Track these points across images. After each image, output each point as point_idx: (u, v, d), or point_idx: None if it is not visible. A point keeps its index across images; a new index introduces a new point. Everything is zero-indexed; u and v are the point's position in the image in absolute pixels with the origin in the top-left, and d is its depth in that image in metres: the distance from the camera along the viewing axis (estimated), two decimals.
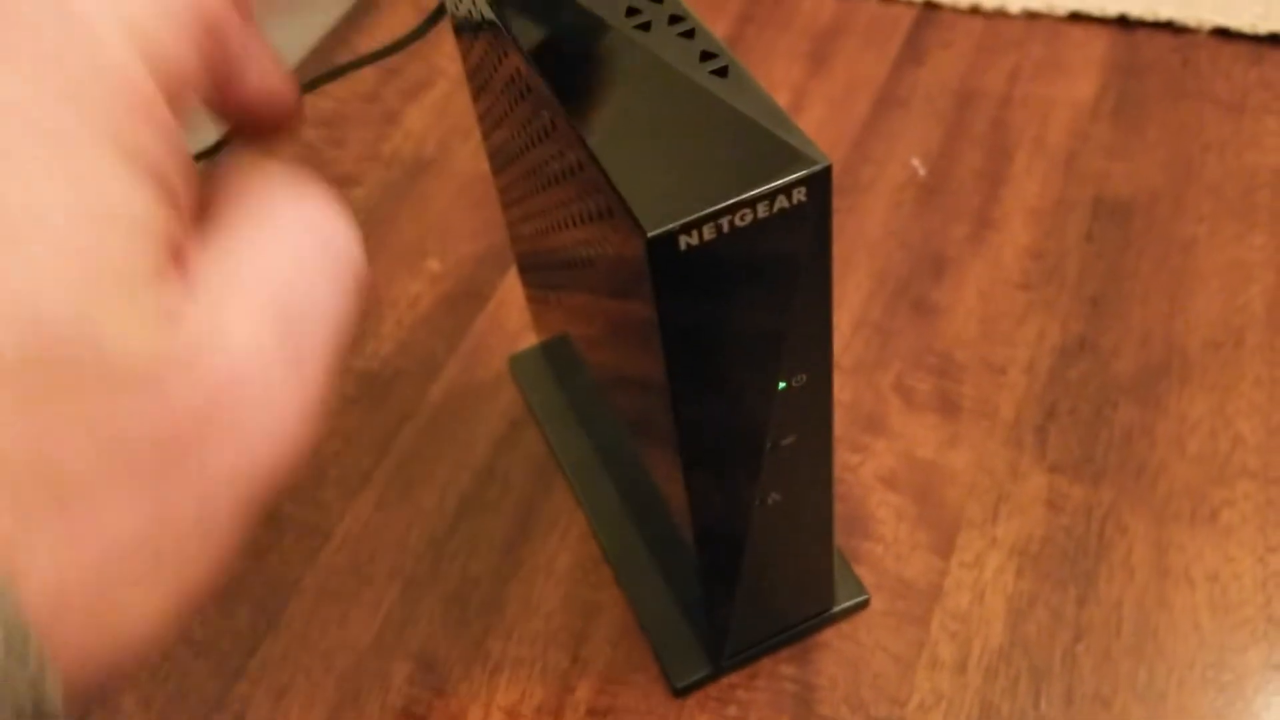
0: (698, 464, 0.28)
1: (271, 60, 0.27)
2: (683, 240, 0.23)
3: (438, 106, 0.55)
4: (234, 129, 0.26)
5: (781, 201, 0.23)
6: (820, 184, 0.23)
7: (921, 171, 0.49)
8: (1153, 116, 0.50)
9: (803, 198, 0.23)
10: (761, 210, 0.23)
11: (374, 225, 0.50)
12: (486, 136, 0.36)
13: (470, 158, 0.52)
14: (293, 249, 0.20)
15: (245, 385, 0.18)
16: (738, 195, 0.23)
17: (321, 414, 0.19)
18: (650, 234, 0.22)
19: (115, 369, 0.16)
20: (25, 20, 0.16)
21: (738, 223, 0.23)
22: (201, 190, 0.21)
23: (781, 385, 0.27)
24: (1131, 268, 0.44)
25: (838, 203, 0.48)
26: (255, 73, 0.26)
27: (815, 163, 0.23)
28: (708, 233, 0.23)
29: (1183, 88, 0.51)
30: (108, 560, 0.17)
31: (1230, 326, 0.42)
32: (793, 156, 0.23)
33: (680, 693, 0.35)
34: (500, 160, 0.35)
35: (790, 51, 0.55)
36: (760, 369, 0.27)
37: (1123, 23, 0.54)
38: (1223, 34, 0.53)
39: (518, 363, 0.44)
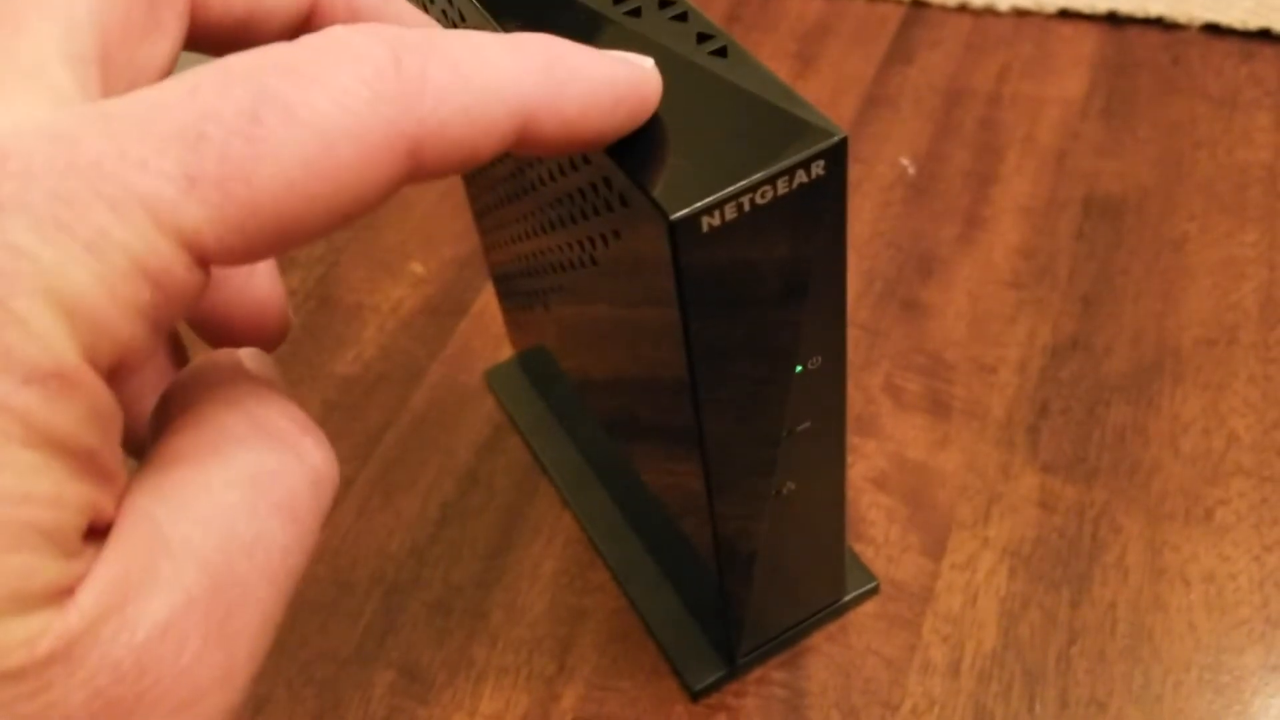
0: (718, 456, 0.27)
1: (260, 278, 0.24)
2: (705, 221, 0.22)
3: None
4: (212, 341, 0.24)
5: (800, 176, 0.23)
6: (837, 157, 0.23)
7: (911, 171, 0.48)
8: (1143, 114, 0.49)
9: (820, 171, 0.23)
10: (781, 186, 0.22)
11: (357, 229, 0.50)
12: None
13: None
14: (240, 497, 0.17)
15: (152, 674, 0.16)
16: (757, 173, 0.22)
17: (256, 669, 0.17)
18: (673, 217, 0.22)
19: None
20: None
21: (758, 200, 0.22)
22: (161, 404, 0.19)
23: (798, 369, 0.27)
24: (1123, 266, 0.44)
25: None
26: (235, 294, 0.23)
27: (831, 135, 0.23)
28: (729, 212, 0.22)
29: (1173, 85, 0.50)
30: None
31: (1223, 324, 0.42)
32: (808, 131, 0.23)
33: (697, 695, 0.34)
34: (478, 176, 0.35)
35: (777, 52, 0.54)
36: (779, 352, 0.26)
37: (1112, 19, 0.53)
38: (1213, 30, 0.52)
39: (494, 376, 0.43)
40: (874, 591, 0.36)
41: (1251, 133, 0.48)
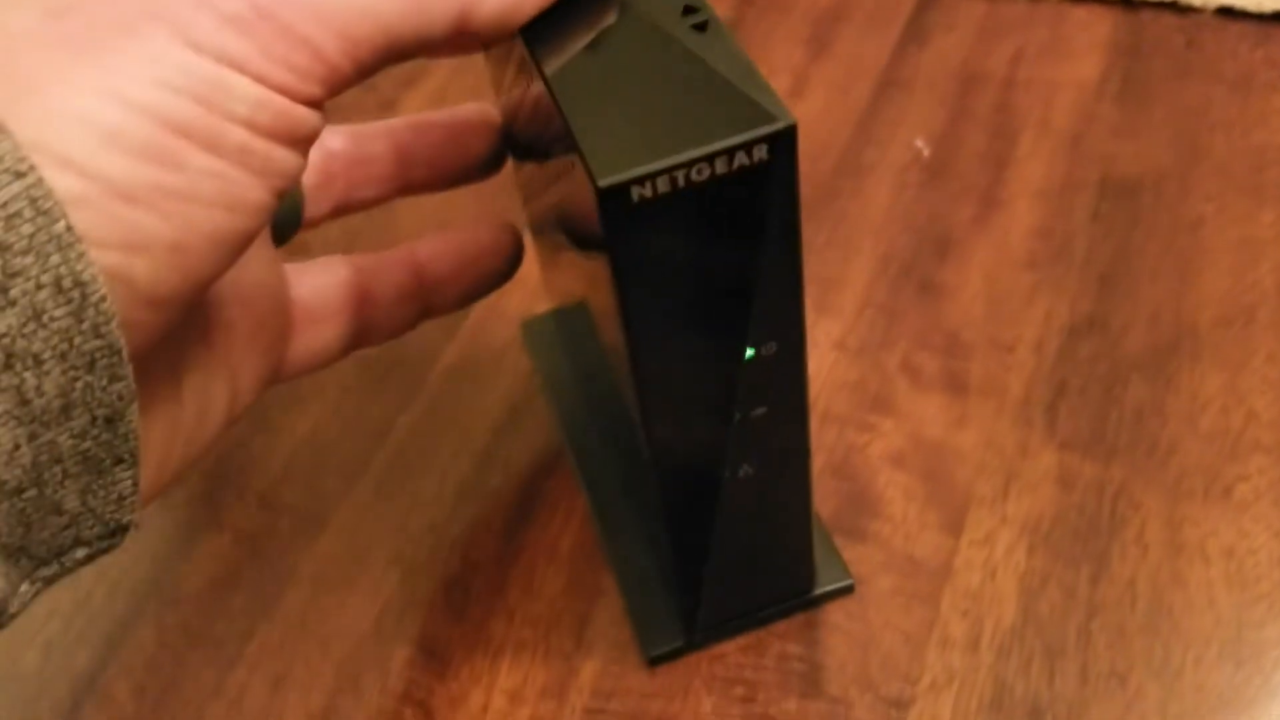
0: (661, 432, 0.28)
1: None
2: (635, 191, 0.22)
3: (434, 95, 0.54)
4: None
5: (741, 159, 0.23)
6: (784, 143, 0.23)
7: (925, 153, 0.48)
8: (1158, 97, 0.49)
9: (764, 156, 0.23)
10: (720, 166, 0.23)
11: (371, 215, 0.49)
12: (501, 95, 0.36)
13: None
14: None
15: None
16: (695, 149, 0.22)
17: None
18: (601, 184, 0.22)
19: None
20: None
21: (694, 178, 0.23)
22: None
23: (750, 353, 0.27)
24: (1140, 246, 0.44)
25: (841, 185, 0.48)
26: None
27: (778, 120, 0.23)
28: (662, 185, 0.22)
29: (1188, 68, 0.50)
30: None
31: (1241, 303, 0.41)
32: (757, 114, 0.23)
33: (653, 662, 0.35)
34: (509, 121, 0.35)
35: (791, 36, 0.54)
36: (725, 334, 0.26)
37: (1127, 3, 0.53)
38: (1228, 13, 0.52)
39: (530, 328, 0.43)
40: (848, 590, 0.36)
41: (1268, 115, 0.48)
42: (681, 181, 0.22)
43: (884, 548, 0.37)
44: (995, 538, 0.37)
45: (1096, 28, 0.53)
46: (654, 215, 0.23)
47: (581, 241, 0.27)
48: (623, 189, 0.22)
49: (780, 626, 0.35)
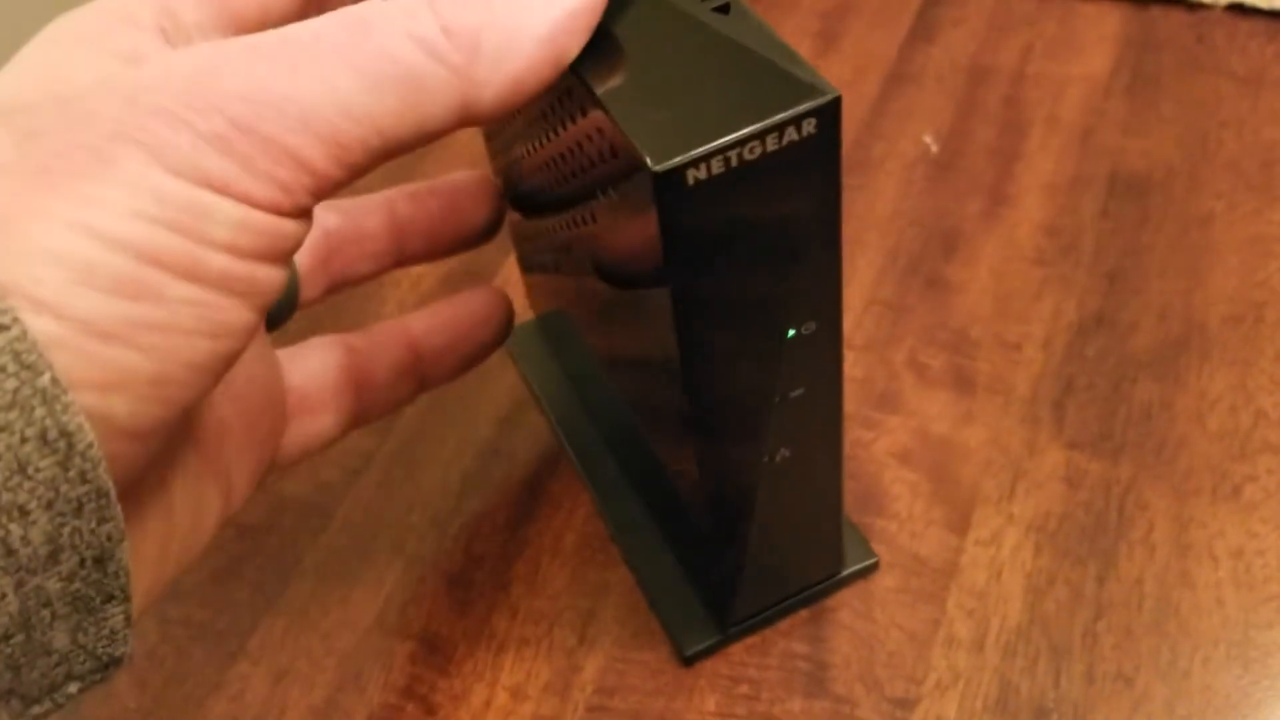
0: (706, 418, 0.27)
1: None
2: (690, 175, 0.22)
3: None
4: None
5: (791, 134, 0.22)
6: (830, 116, 0.23)
7: (934, 149, 0.48)
8: (1168, 93, 0.49)
9: (812, 130, 0.23)
10: (770, 143, 0.22)
11: None
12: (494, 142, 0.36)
13: (475, 136, 0.51)
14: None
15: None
16: (746, 128, 0.22)
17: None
18: (656, 169, 0.22)
19: None
20: None
21: (746, 156, 0.22)
22: None
23: (790, 333, 0.27)
24: (1149, 243, 0.44)
25: (848, 181, 0.47)
26: None
27: (824, 94, 0.22)
28: (716, 167, 0.22)
29: (1198, 64, 0.50)
30: None
31: (1251, 301, 0.41)
32: (801, 88, 0.22)
33: (689, 660, 0.34)
34: (505, 153, 0.34)
35: (799, 30, 0.54)
36: (769, 315, 0.26)
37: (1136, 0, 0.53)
38: (1238, 9, 0.52)
39: (514, 338, 0.43)
40: (874, 568, 0.36)
41: (1278, 112, 0.48)
42: (735, 161, 0.22)
43: (889, 545, 0.36)
44: (1001, 536, 0.36)
45: (1106, 22, 0.52)
46: (706, 197, 0.22)
47: (609, 238, 0.27)
48: (678, 173, 0.22)
49: (785, 625, 0.35)
